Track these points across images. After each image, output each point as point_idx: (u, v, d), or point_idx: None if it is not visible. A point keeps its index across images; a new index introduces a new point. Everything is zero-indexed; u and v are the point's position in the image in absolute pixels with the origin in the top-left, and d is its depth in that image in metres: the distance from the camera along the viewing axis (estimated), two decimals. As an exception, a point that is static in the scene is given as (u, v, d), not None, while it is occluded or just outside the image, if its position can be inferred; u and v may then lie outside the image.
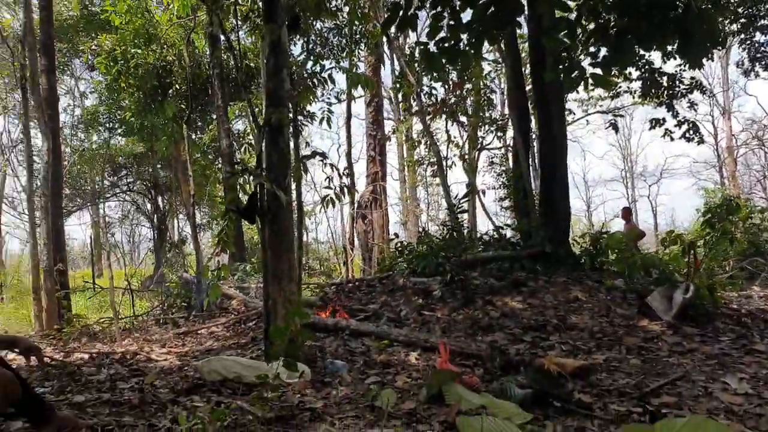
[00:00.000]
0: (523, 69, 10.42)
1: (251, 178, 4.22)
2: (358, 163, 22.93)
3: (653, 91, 11.76)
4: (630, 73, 11.77)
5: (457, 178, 28.98)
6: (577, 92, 15.97)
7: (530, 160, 10.71)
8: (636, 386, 3.47)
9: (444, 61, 3.70)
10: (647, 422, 2.80)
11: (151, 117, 14.74)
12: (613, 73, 5.86)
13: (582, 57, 4.88)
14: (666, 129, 12.38)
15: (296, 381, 3.56)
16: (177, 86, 14.30)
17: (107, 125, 18.59)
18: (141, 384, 3.72)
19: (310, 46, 11.21)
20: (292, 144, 4.74)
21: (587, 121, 21.86)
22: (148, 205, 22.97)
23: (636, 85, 12.37)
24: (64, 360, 4.73)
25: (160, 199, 21.83)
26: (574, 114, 18.65)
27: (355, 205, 15.03)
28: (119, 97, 15.85)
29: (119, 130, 18.69)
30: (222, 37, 10.97)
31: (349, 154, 15.20)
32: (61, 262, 8.50)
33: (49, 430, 2.64)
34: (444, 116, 12.97)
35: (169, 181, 20.44)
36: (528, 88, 10.39)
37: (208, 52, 12.51)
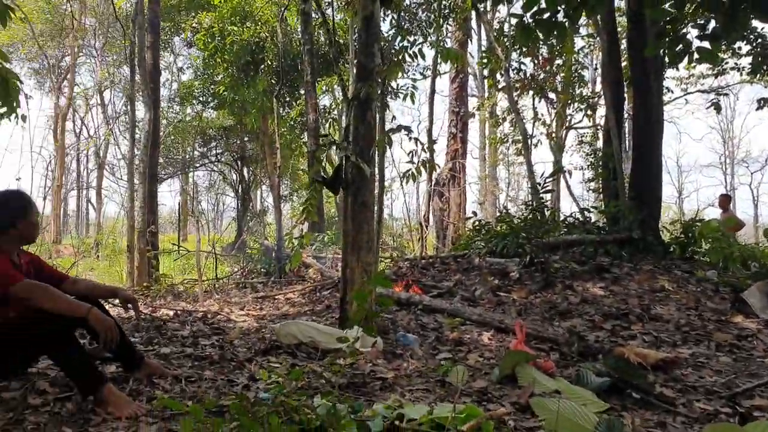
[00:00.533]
0: (619, 43, 9.86)
1: (337, 150, 4.27)
2: (438, 140, 22.73)
3: (765, 67, 10.79)
4: (739, 48, 10.84)
5: (542, 157, 28.09)
6: (677, 69, 14.96)
7: (622, 140, 10.18)
8: (725, 385, 3.25)
9: (540, 34, 3.54)
10: (737, 424, 2.62)
11: (242, 91, 15.29)
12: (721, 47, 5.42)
13: (687, 29, 4.52)
14: (775, 110, 11.34)
15: (369, 350, 3.62)
16: (268, 62, 14.72)
17: (200, 99, 19.49)
18: (221, 342, 3.92)
19: (400, 21, 11.16)
20: (377, 118, 4.75)
21: (686, 100, 20.37)
22: (234, 176, 23.97)
23: (745, 61, 11.37)
24: (152, 314, 5.05)
25: (245, 170, 22.70)
26: (672, 92, 17.45)
27: (433, 182, 14.93)
28: (214, 72, 16.53)
29: (211, 104, 19.54)
30: (314, 14, 11.11)
31: (429, 131, 15.05)
32: (153, 225, 9.08)
33: (140, 375, 2.87)
34: (531, 92, 12.55)
35: (255, 153, 21.19)
36: (623, 63, 9.84)
37: (299, 29, 12.74)
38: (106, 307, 3.08)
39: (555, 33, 3.52)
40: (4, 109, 4.03)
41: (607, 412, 2.66)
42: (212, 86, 17.95)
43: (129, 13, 13.60)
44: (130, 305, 2.99)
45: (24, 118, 4.34)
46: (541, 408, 2.28)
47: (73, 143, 31.00)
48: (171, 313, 5.33)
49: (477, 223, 8.77)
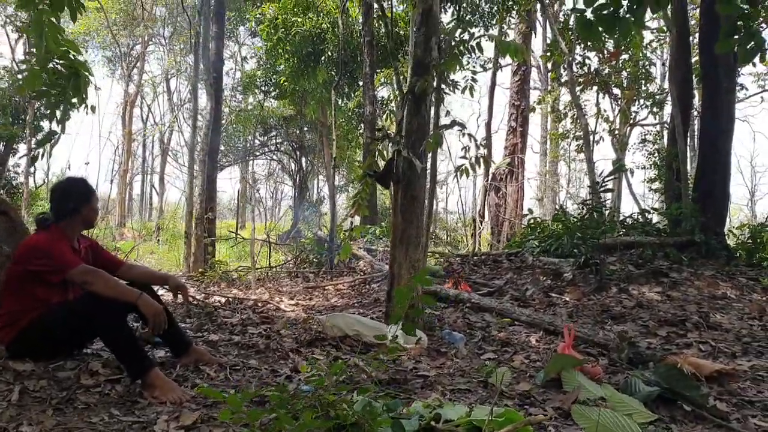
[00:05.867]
0: (690, 38, 9.40)
1: (390, 144, 4.28)
2: (497, 134, 22.41)
3: None
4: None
5: (604, 154, 27.16)
6: (754, 65, 14.10)
7: (688, 139, 9.72)
8: (787, 402, 3.08)
9: (601, 29, 3.40)
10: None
11: (303, 82, 15.48)
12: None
13: (763, 26, 4.24)
14: None
15: (412, 347, 3.63)
16: (329, 53, 14.82)
17: (262, 88, 19.87)
18: (268, 331, 4.01)
19: (461, 13, 11.00)
20: (432, 112, 4.71)
21: (762, 98, 19.25)
22: (292, 165, 24.41)
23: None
24: (205, 301, 5.21)
25: (303, 160, 23.07)
26: (747, 90, 16.53)
27: (489, 177, 14.72)
28: (276, 63, 16.78)
29: (272, 94, 19.89)
30: (375, 5, 11.12)
31: (488, 125, 14.87)
32: (211, 212, 9.38)
33: (187, 361, 2.97)
34: (595, 88, 12.16)
35: (313, 143, 21.49)
36: (694, 59, 9.38)
37: (360, 20, 12.76)
38: (160, 293, 3.21)
39: (617, 29, 3.37)
40: (75, 100, 4.21)
41: (654, 424, 2.57)
42: (274, 76, 18.24)
43: (196, 3, 14.02)
44: (179, 292, 3.10)
45: (93, 108, 4.55)
46: (581, 416, 2.23)
47: (139, 129, 32.33)
48: (223, 300, 5.47)
49: (532, 220, 8.60)
